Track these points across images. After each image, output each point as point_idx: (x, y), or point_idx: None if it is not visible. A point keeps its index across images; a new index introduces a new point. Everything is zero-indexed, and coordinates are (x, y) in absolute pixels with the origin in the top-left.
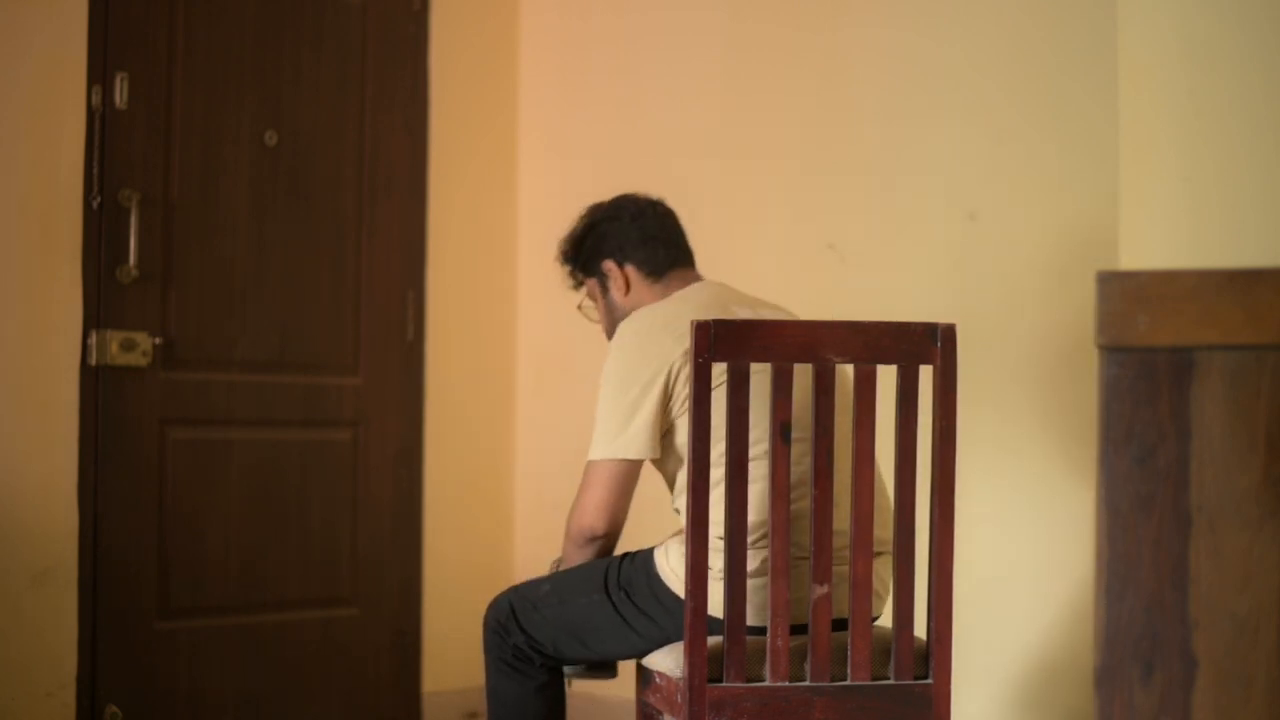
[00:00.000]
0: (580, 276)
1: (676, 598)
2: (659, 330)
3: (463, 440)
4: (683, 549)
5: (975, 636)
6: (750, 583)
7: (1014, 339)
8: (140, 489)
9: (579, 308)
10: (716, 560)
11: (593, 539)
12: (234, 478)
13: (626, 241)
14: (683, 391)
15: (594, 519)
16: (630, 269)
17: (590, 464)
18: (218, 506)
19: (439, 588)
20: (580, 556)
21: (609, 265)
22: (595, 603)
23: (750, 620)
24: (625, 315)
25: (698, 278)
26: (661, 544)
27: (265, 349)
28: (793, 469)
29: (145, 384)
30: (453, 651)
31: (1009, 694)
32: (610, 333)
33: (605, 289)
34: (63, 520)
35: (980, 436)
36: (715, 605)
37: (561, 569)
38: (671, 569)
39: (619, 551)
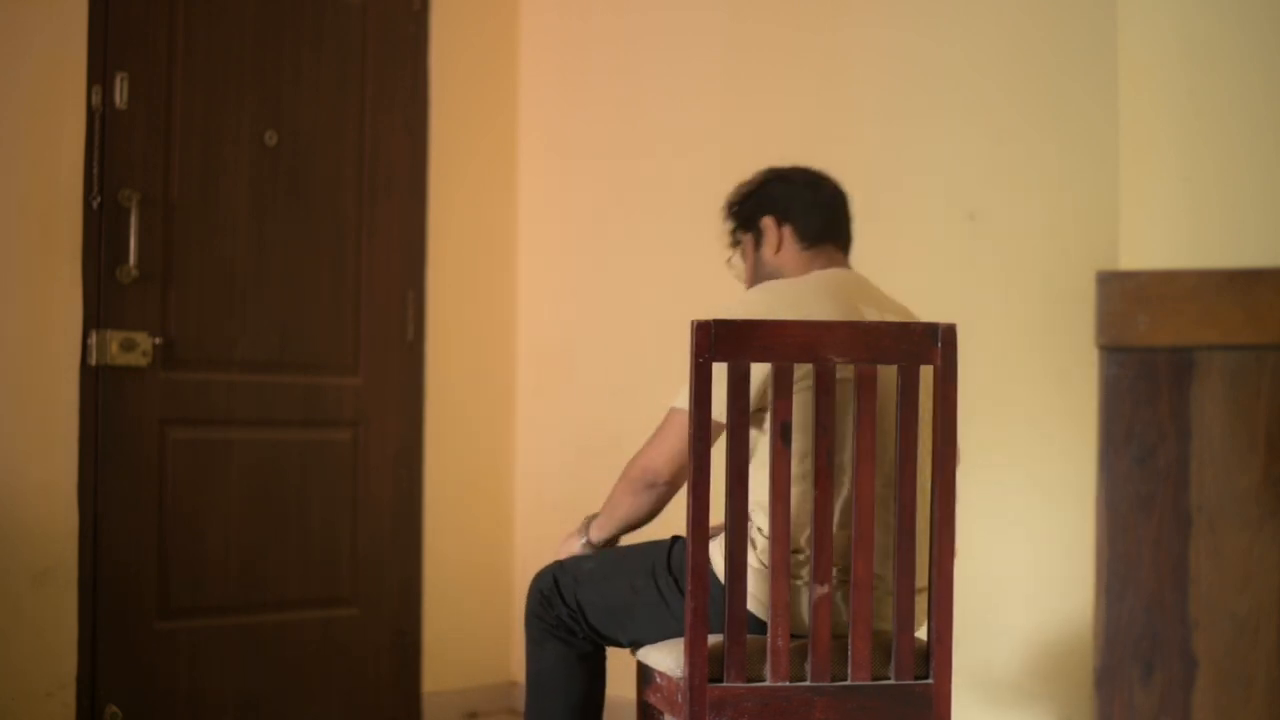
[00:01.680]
0: (738, 235)
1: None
2: (785, 312)
3: (463, 440)
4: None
5: (975, 636)
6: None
7: (1014, 339)
8: (140, 489)
9: (728, 262)
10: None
11: (653, 485)
12: (234, 478)
13: (792, 203)
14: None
15: (663, 464)
16: (787, 230)
17: (674, 411)
18: (218, 506)
19: (439, 588)
20: (630, 502)
21: (768, 221)
22: (639, 586)
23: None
24: (770, 274)
25: (844, 263)
26: (717, 538)
27: (265, 349)
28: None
29: (145, 384)
30: (453, 651)
31: (1009, 694)
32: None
33: (758, 244)
34: (63, 520)
35: (980, 436)
36: (759, 604)
37: (603, 513)
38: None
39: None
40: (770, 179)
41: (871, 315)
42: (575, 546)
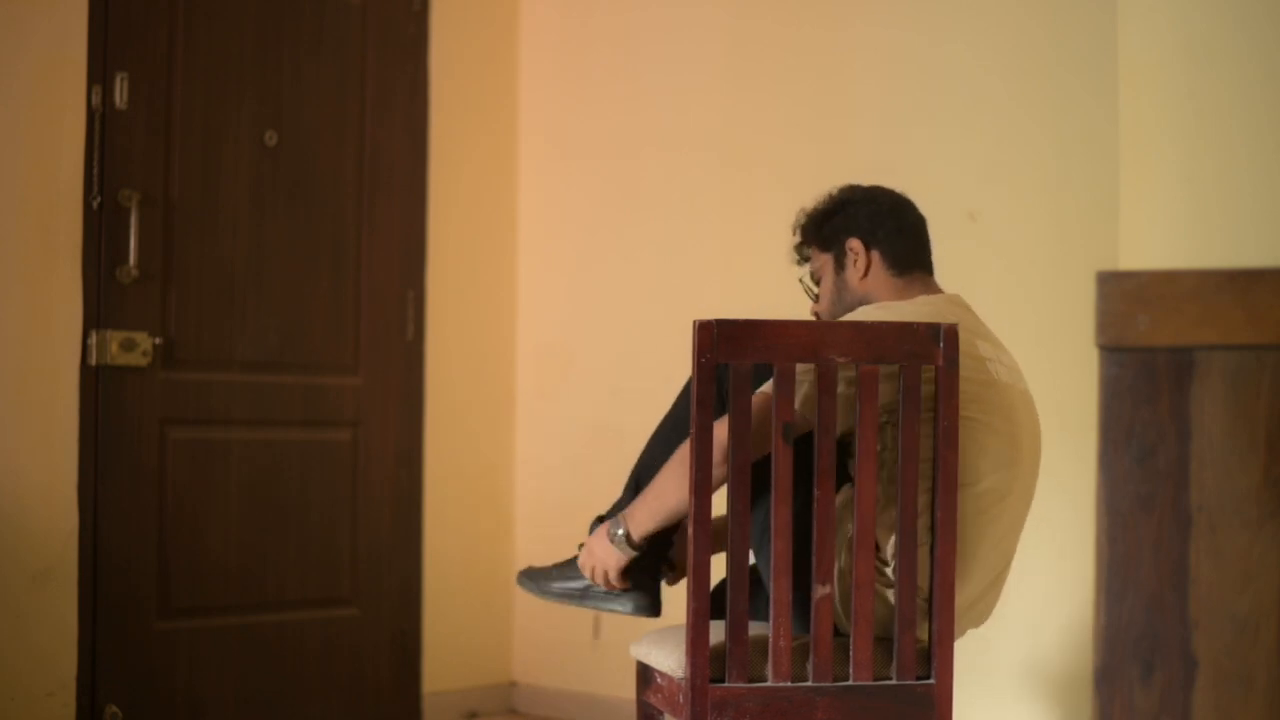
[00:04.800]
0: (810, 251)
1: None
2: None
3: (463, 440)
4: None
5: (975, 636)
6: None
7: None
8: (140, 489)
9: (800, 280)
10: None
11: (720, 463)
12: (234, 478)
13: (880, 226)
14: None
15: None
16: (875, 254)
17: (759, 393)
18: (218, 506)
19: (439, 588)
20: (673, 471)
21: (855, 244)
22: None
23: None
24: (856, 299)
25: (938, 289)
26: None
27: (265, 349)
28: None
29: (145, 384)
30: (453, 651)
31: (1009, 694)
32: (830, 315)
33: (841, 267)
34: (63, 520)
35: None
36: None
37: (645, 503)
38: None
39: None
40: (853, 199)
41: (987, 351)
42: (619, 556)
